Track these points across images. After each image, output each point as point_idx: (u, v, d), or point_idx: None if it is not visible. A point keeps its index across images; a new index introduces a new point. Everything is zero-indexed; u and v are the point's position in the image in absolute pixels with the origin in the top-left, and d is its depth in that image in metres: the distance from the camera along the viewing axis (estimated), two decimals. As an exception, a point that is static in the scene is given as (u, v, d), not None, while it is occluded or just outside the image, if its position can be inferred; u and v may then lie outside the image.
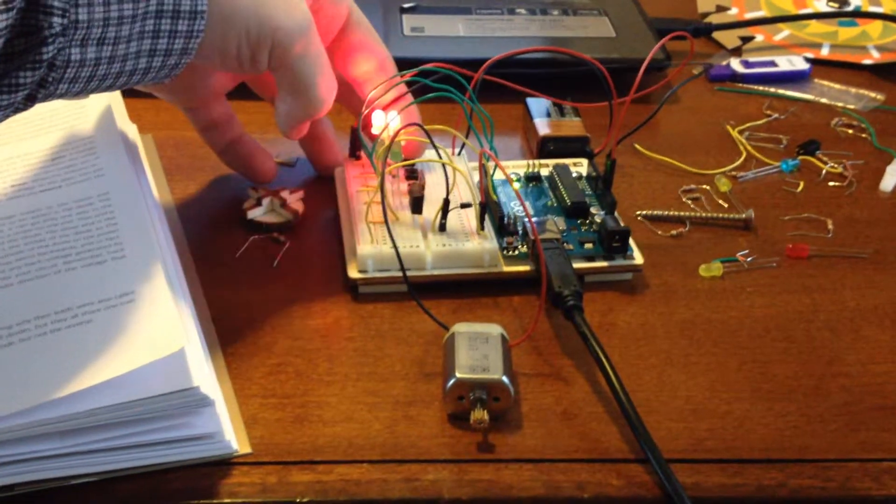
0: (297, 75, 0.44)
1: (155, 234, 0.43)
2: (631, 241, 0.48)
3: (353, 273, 0.45)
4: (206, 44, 0.40)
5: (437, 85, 0.47)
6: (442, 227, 0.47)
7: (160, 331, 0.37)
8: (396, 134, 0.45)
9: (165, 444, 0.36)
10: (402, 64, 0.50)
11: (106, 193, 0.45)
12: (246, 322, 0.44)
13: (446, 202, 0.46)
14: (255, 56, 0.42)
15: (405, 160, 0.49)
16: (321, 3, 0.46)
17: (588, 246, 0.48)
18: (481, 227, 0.47)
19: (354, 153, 0.52)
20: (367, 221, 0.46)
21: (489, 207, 0.47)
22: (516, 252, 0.47)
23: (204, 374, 0.38)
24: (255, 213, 0.50)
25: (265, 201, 0.50)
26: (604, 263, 0.47)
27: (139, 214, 0.44)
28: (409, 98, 0.50)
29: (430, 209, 0.47)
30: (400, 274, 0.44)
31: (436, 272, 0.46)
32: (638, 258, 0.48)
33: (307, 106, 0.46)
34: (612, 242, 0.47)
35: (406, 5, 0.70)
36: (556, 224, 0.48)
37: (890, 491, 0.38)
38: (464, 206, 0.47)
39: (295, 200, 0.50)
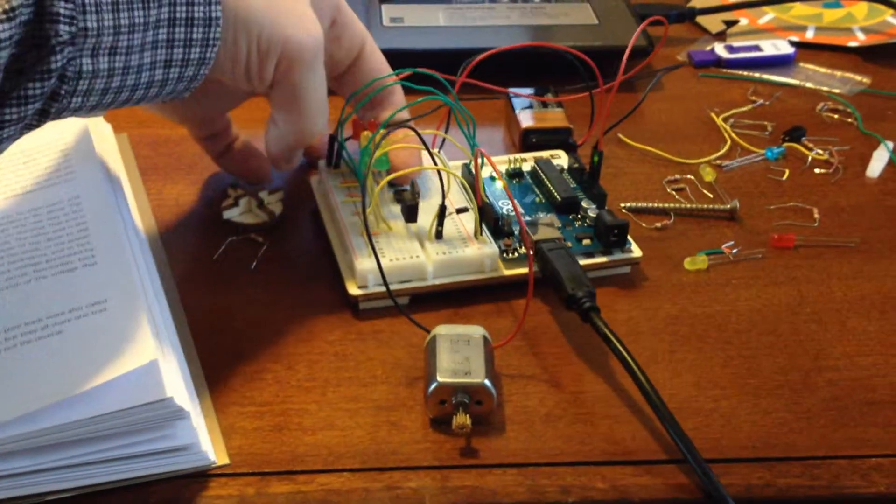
0: (296, 92, 0.42)
1: (127, 238, 0.42)
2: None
3: (354, 290, 0.44)
4: (220, 51, 0.39)
5: (420, 87, 0.46)
6: (438, 235, 0.45)
7: (132, 342, 0.36)
8: (380, 142, 0.44)
9: (140, 458, 0.35)
10: (383, 55, 0.49)
11: (77, 197, 0.44)
12: (223, 326, 0.43)
13: (443, 208, 0.45)
14: (262, 66, 0.41)
15: (393, 169, 0.47)
16: (340, 31, 0.46)
17: (586, 242, 0.47)
18: (480, 231, 0.46)
19: (333, 162, 0.50)
20: (363, 235, 0.45)
21: (485, 211, 0.46)
22: (515, 255, 0.46)
23: (179, 384, 0.37)
24: (232, 214, 0.49)
25: (242, 201, 0.49)
26: (603, 259, 0.46)
27: (111, 218, 0.43)
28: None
29: (422, 216, 0.46)
30: (403, 286, 0.44)
31: (437, 282, 0.44)
32: (636, 251, 0.47)
33: (301, 129, 0.44)
34: (611, 237, 0.46)
35: (385, -5, 0.69)
36: (553, 222, 0.47)
37: (878, 488, 0.37)
38: (460, 210, 0.46)
39: (273, 201, 0.49)
